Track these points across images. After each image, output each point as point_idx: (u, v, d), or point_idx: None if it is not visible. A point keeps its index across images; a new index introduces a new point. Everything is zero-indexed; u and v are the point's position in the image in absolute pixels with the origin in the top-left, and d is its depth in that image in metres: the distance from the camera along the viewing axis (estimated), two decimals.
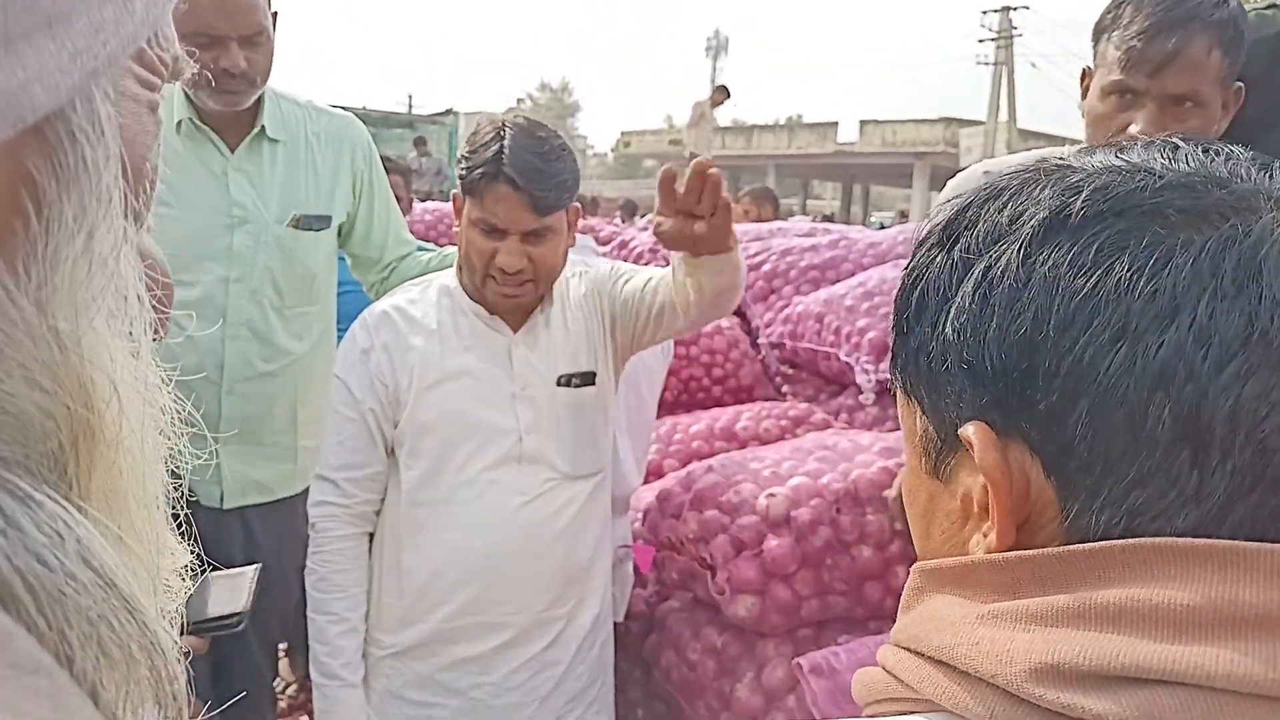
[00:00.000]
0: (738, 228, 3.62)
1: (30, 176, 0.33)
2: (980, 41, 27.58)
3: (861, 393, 2.52)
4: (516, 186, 1.40)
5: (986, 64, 26.44)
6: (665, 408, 2.80)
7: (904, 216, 17.91)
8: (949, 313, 0.47)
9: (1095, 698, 0.38)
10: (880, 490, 1.66)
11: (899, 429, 2.05)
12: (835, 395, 2.66)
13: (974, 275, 0.46)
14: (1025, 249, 0.44)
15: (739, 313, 3.20)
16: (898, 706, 0.46)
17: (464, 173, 1.45)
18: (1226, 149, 0.46)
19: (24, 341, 0.32)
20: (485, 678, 1.54)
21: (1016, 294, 0.44)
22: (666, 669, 1.76)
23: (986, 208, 0.47)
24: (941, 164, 20.71)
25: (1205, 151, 0.45)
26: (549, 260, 1.47)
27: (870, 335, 2.51)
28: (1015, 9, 26.69)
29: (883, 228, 3.89)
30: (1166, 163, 0.45)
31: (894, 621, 0.50)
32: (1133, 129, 1.38)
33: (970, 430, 0.45)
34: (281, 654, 2.78)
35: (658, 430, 2.54)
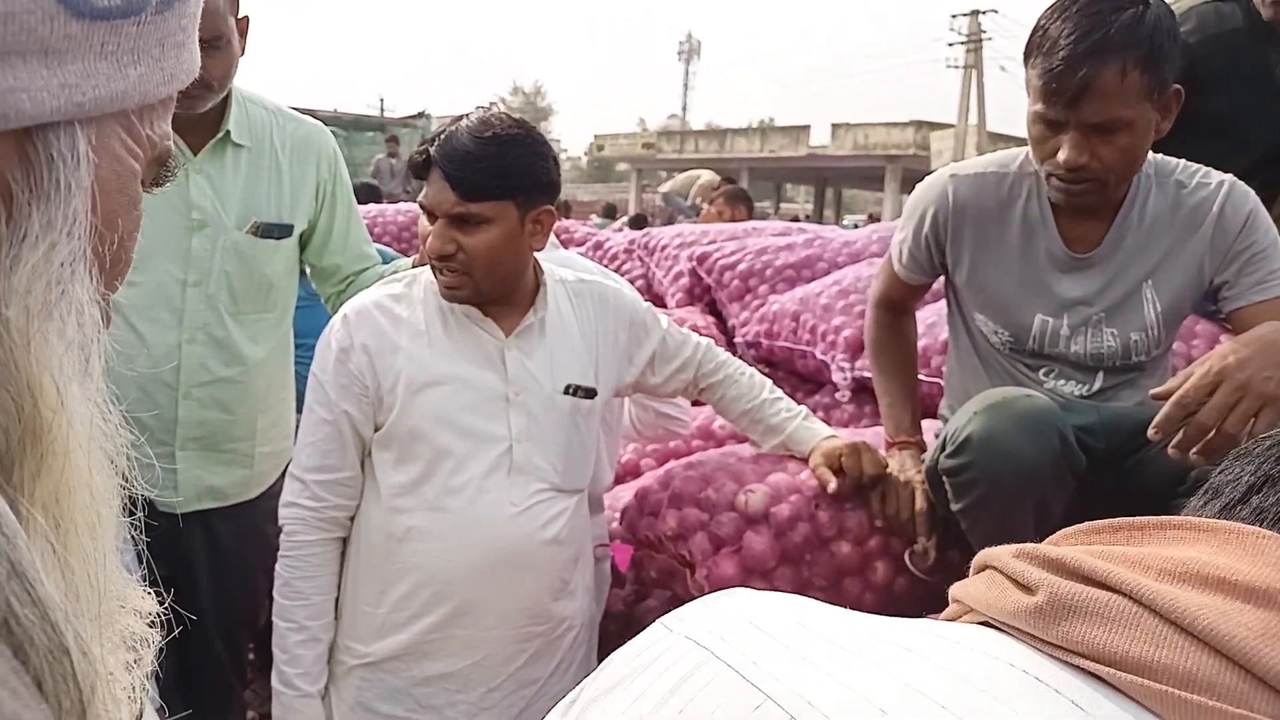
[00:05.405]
0: (713, 228, 3.63)
1: (7, 186, 0.37)
2: (950, 45, 27.88)
3: (838, 390, 2.53)
4: (441, 169, 1.39)
5: (956, 67, 26.71)
6: None
7: (874, 220, 18.05)
8: None
9: None
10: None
11: (876, 424, 2.02)
12: (812, 393, 2.66)
13: None
14: None
15: (715, 312, 3.20)
16: None
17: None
18: None
19: None
20: (462, 696, 1.49)
21: None
22: None
23: None
24: (913, 167, 20.86)
25: None
26: (482, 253, 1.41)
27: (846, 333, 2.51)
28: (984, 13, 26.96)
29: (856, 228, 3.91)
30: None
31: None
32: (1060, 156, 1.41)
33: None
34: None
35: None
